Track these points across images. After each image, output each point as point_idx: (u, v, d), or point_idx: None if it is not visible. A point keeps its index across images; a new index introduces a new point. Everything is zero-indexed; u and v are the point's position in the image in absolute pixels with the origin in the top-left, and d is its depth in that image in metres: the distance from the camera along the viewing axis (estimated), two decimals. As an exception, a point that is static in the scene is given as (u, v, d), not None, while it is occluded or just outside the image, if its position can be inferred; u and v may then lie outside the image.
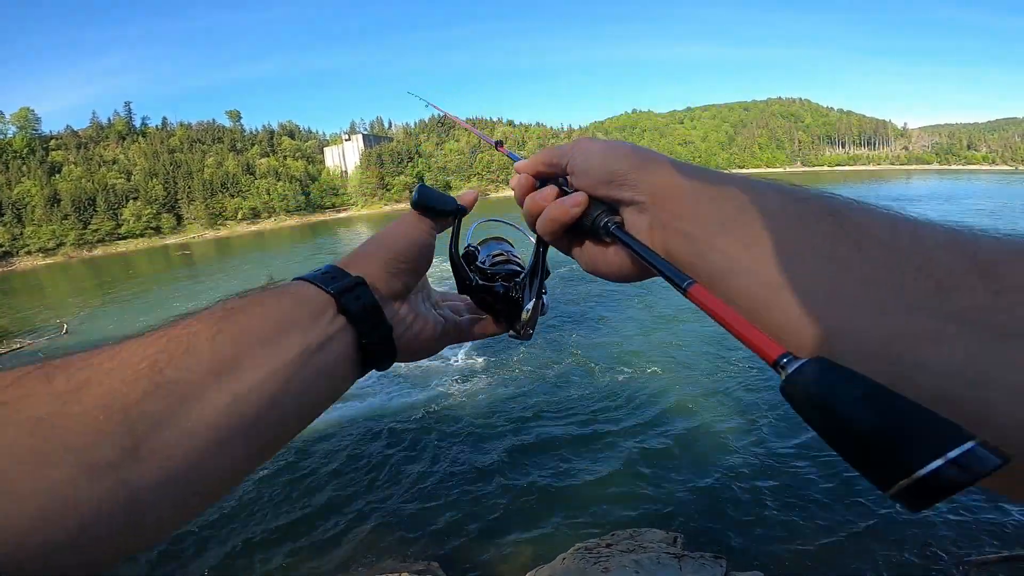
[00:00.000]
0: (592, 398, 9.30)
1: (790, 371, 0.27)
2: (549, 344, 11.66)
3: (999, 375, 0.24)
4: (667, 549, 4.73)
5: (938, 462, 0.20)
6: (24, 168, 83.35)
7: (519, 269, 0.59)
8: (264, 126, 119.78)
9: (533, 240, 0.55)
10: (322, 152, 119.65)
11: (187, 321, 0.40)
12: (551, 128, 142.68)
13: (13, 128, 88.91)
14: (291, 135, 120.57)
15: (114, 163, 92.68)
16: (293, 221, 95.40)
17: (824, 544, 5.30)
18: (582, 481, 7.06)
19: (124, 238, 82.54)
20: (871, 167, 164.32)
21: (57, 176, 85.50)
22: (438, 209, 0.56)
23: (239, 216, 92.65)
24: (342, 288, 0.45)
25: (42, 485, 0.28)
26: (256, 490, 7.06)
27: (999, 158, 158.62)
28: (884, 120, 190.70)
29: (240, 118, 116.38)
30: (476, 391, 9.85)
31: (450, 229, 0.58)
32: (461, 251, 0.59)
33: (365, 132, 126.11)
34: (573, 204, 0.46)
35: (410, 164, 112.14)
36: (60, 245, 77.09)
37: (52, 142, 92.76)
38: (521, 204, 0.52)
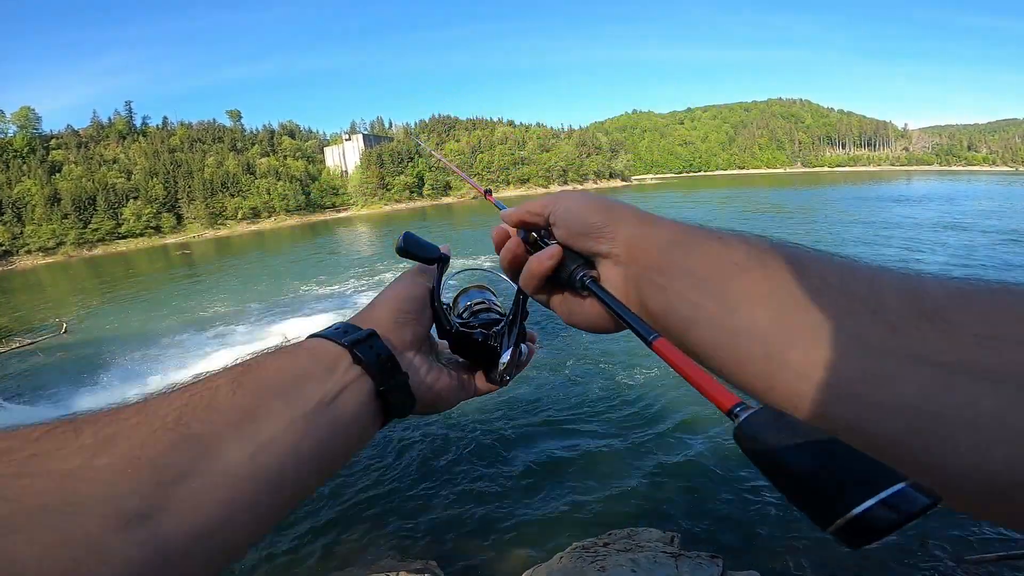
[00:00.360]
0: (590, 399, 9.32)
1: (741, 419, 0.29)
2: (548, 346, 11.66)
3: (953, 410, 0.26)
4: (664, 548, 4.73)
5: (870, 502, 0.22)
6: (24, 167, 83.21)
7: (498, 317, 0.61)
8: (264, 126, 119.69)
9: (508, 279, 0.58)
10: (322, 152, 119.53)
11: (208, 378, 0.41)
12: (551, 128, 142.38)
13: (13, 127, 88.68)
14: (291, 135, 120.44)
15: (114, 162, 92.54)
16: (293, 221, 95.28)
17: (821, 543, 5.29)
18: (580, 480, 7.06)
19: (124, 237, 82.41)
20: (871, 168, 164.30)
21: (57, 175, 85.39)
22: (421, 256, 0.59)
23: (239, 216, 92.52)
24: (355, 340, 0.47)
25: (73, 536, 0.29)
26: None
27: (1000, 159, 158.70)
28: (885, 121, 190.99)
29: (240, 118, 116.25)
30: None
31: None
32: (443, 298, 0.60)
33: (365, 132, 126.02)
34: (548, 257, 0.49)
35: (410, 164, 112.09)
36: (60, 244, 76.98)
37: (52, 141, 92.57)
38: (498, 253, 0.55)
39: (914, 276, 0.32)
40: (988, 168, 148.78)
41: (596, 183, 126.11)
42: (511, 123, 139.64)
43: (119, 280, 39.10)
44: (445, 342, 0.60)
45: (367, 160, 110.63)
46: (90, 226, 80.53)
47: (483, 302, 0.63)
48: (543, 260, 0.49)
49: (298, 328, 17.11)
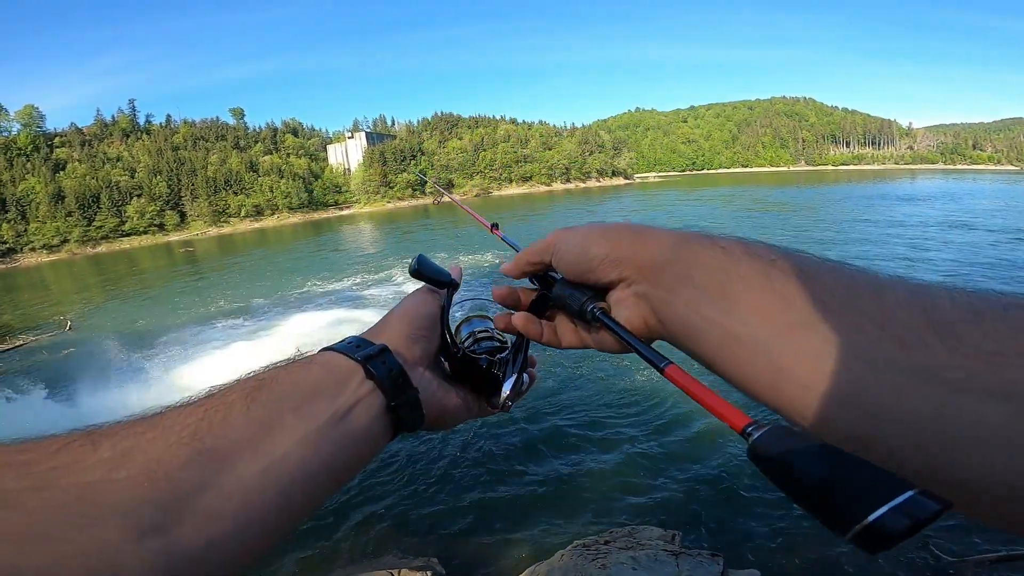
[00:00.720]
0: (592, 397, 9.32)
1: (754, 438, 0.30)
2: (548, 348, 11.65)
3: (959, 424, 0.26)
4: (665, 547, 4.74)
5: (883, 509, 0.23)
6: (28, 165, 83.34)
7: (500, 345, 0.62)
8: (268, 123, 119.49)
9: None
10: (325, 149, 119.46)
11: (223, 392, 0.42)
12: (554, 126, 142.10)
13: (17, 125, 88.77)
14: (294, 132, 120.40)
15: (118, 160, 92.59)
16: (296, 218, 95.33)
17: (821, 542, 5.30)
18: (581, 479, 7.08)
19: (128, 235, 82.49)
20: (875, 166, 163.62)
21: (61, 173, 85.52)
22: (433, 279, 0.61)
23: (242, 213, 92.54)
24: (368, 355, 0.48)
25: (92, 546, 0.30)
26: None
27: (1004, 158, 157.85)
28: (889, 119, 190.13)
29: (244, 116, 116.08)
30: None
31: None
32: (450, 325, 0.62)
33: (368, 130, 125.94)
34: (520, 324, 0.54)
35: (412, 162, 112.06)
36: (64, 242, 77.11)
37: (56, 139, 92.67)
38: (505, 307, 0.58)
39: (924, 289, 0.32)
40: (993, 167, 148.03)
41: (599, 181, 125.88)
42: (513, 121, 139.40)
43: (123, 278, 39.23)
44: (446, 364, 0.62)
45: (370, 158, 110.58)
46: (94, 224, 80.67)
47: (486, 331, 0.64)
48: (521, 325, 0.54)
49: (302, 324, 17.17)
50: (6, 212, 75.79)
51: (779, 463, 0.28)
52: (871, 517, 0.23)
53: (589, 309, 0.47)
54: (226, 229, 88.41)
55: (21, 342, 19.62)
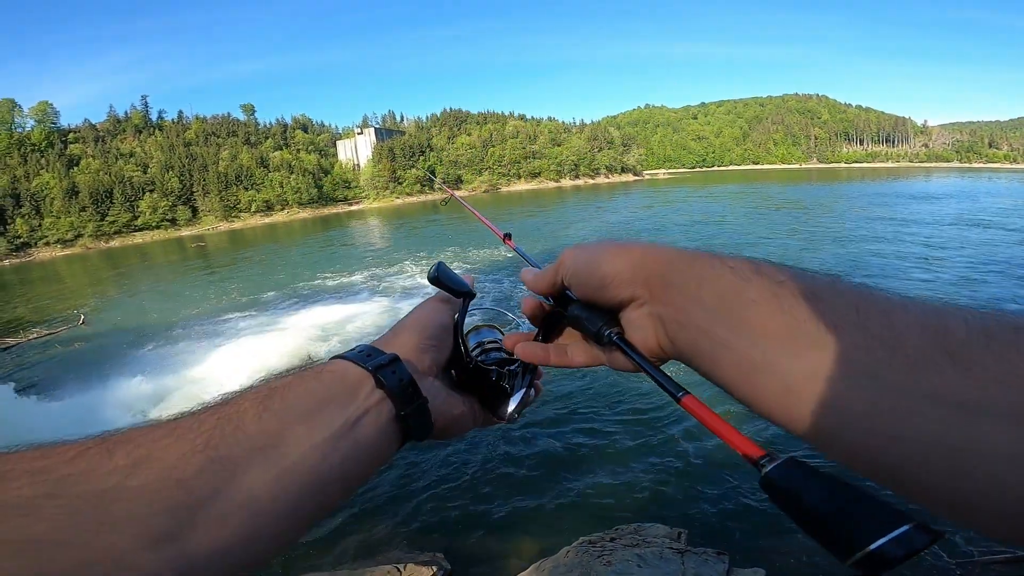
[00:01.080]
0: (599, 394, 9.32)
1: (768, 470, 0.32)
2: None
3: (968, 447, 0.27)
4: (670, 544, 4.75)
5: (881, 540, 0.26)
6: (43, 161, 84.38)
7: (508, 357, 0.62)
8: (278, 119, 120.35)
9: (523, 328, 0.62)
10: (335, 145, 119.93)
11: (235, 400, 0.43)
12: (563, 122, 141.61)
13: (32, 122, 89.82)
14: (304, 128, 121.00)
15: (131, 156, 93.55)
16: (306, 214, 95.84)
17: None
18: (587, 475, 7.09)
19: (140, 230, 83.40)
20: (889, 164, 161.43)
21: (75, 169, 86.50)
22: (451, 288, 0.62)
23: (253, 208, 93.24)
24: (379, 364, 0.49)
25: (107, 554, 0.31)
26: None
27: (1021, 157, 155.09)
28: (904, 117, 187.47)
29: (254, 112, 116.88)
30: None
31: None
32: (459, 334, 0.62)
33: (377, 126, 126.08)
34: (532, 352, 0.55)
35: (421, 158, 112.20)
36: (78, 236, 78.13)
37: (70, 135, 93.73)
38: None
39: (937, 311, 0.32)
40: (1010, 166, 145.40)
41: (608, 177, 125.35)
42: (522, 117, 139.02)
43: (136, 272, 39.71)
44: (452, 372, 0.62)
45: (379, 154, 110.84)
46: (107, 219, 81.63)
47: (495, 341, 0.65)
48: (530, 354, 0.55)
49: (314, 318, 17.29)
50: (21, 207, 76.87)
51: (789, 494, 0.30)
52: (872, 546, 0.26)
53: (606, 334, 0.47)
54: (237, 224, 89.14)
55: (35, 335, 19.91)
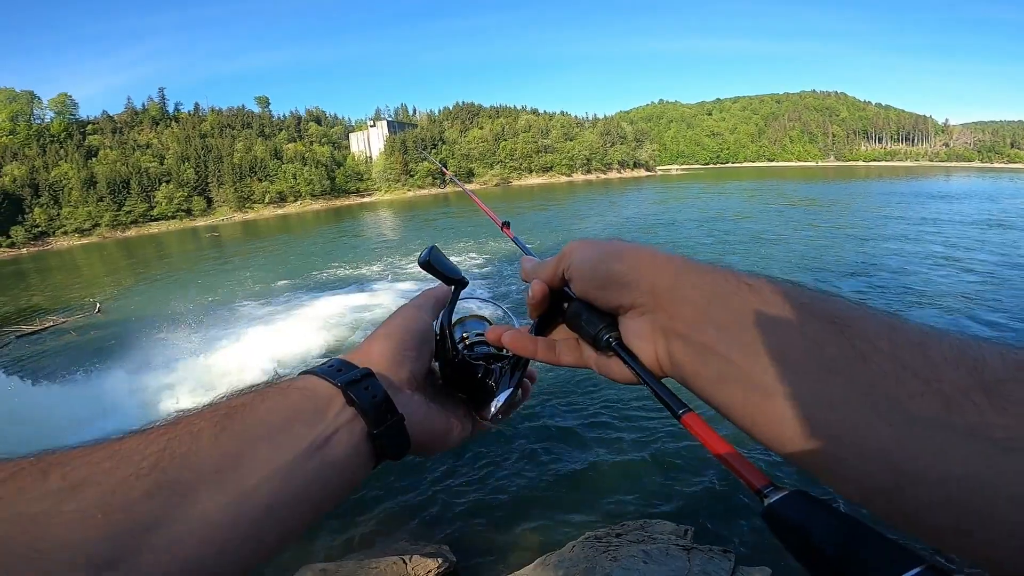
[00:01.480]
0: (605, 391, 9.27)
1: (771, 500, 0.30)
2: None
3: (1003, 485, 0.26)
4: (676, 541, 4.72)
5: None
6: (62, 152, 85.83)
7: (495, 352, 0.59)
8: (292, 112, 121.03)
9: (516, 323, 0.58)
10: (347, 138, 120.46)
11: (190, 418, 0.40)
12: (575, 117, 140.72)
13: (51, 113, 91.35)
14: (318, 121, 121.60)
15: (148, 147, 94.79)
16: (318, 205, 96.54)
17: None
18: (594, 471, 7.07)
19: (156, 220, 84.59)
20: (908, 163, 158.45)
21: (93, 159, 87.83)
22: (442, 274, 0.58)
23: (266, 200, 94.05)
24: (350, 380, 0.46)
25: None
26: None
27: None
28: (924, 115, 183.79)
29: (268, 104, 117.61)
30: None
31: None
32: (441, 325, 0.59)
33: (390, 118, 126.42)
34: (520, 347, 0.52)
35: (433, 151, 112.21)
36: (95, 226, 79.37)
37: (89, 127, 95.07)
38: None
39: (972, 345, 0.31)
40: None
41: (620, 173, 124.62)
42: (535, 111, 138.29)
43: (151, 261, 40.33)
44: (436, 364, 0.58)
45: (391, 146, 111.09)
46: (124, 208, 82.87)
47: (481, 334, 0.61)
48: (520, 346, 0.52)
49: (325, 308, 17.46)
50: (39, 197, 78.21)
51: (794, 529, 0.29)
52: None
53: (605, 338, 0.45)
54: (250, 215, 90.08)
55: (52, 323, 20.28)
